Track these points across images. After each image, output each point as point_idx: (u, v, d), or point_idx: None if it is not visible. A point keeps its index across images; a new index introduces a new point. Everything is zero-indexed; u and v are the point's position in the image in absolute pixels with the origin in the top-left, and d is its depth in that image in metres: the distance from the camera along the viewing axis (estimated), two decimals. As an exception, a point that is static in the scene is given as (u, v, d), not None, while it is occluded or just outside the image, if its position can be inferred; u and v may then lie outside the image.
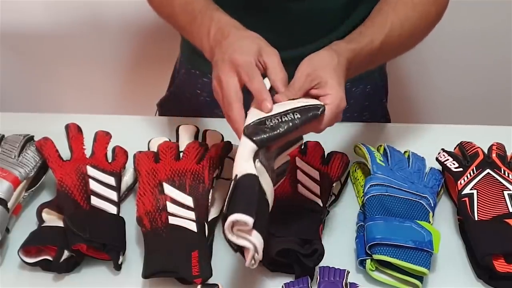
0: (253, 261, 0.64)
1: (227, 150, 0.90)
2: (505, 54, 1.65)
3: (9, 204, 0.81)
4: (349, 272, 0.73)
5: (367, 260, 0.77)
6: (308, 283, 0.72)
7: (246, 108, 0.72)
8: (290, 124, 0.68)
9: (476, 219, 0.81)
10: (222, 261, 0.78)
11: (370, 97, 1.12)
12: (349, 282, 0.72)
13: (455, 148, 0.94)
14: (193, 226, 0.78)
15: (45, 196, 0.90)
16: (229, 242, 0.64)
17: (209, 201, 0.82)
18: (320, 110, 0.70)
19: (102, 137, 0.92)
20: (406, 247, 0.76)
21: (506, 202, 0.83)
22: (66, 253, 0.76)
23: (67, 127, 0.91)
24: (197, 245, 0.76)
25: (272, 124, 0.68)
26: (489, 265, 0.76)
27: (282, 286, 0.73)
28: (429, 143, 1.00)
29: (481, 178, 0.86)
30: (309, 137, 0.81)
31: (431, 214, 0.83)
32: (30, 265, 0.77)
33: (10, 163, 0.86)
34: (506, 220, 0.81)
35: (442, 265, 0.80)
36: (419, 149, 0.95)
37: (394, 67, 1.09)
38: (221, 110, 0.74)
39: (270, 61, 0.73)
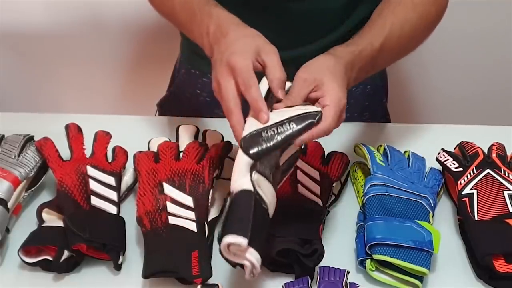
0: (252, 275, 0.66)
1: (227, 150, 0.90)
2: (505, 54, 1.64)
3: (9, 204, 0.82)
4: (349, 272, 0.73)
5: (367, 260, 0.77)
6: (308, 283, 0.72)
7: (247, 108, 0.73)
8: (286, 134, 0.69)
9: (476, 219, 0.81)
10: (222, 261, 0.77)
11: (370, 97, 1.12)
12: (349, 282, 0.72)
13: (455, 148, 0.94)
14: (193, 226, 0.78)
15: (45, 196, 0.90)
16: (227, 260, 0.67)
17: (209, 201, 0.82)
18: (317, 117, 0.71)
19: (102, 137, 0.92)
20: (406, 247, 0.76)
21: (506, 202, 0.83)
22: (66, 253, 0.76)
23: (67, 127, 0.91)
24: (197, 245, 0.76)
25: (268, 135, 0.69)
26: (489, 265, 0.76)
27: (282, 286, 0.73)
28: (429, 143, 1.00)
29: (481, 178, 0.86)
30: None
31: (431, 214, 0.83)
32: (30, 265, 0.77)
33: (10, 163, 0.86)
34: (506, 220, 0.81)
35: (442, 265, 0.80)
36: (419, 149, 0.95)
37: (394, 67, 1.09)
38: (221, 110, 0.74)
39: (268, 60, 0.73)
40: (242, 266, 0.66)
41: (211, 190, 0.83)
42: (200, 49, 0.83)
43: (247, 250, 0.64)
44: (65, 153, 0.88)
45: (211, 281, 0.73)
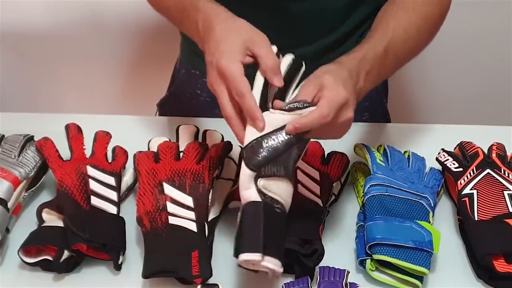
0: (275, 276, 0.68)
1: (227, 150, 0.90)
2: (505, 54, 1.64)
3: (9, 204, 0.82)
4: (349, 272, 0.73)
5: (367, 260, 0.77)
6: (308, 283, 0.72)
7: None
8: (286, 141, 0.71)
9: (476, 219, 0.81)
10: (222, 261, 0.78)
11: (370, 97, 1.12)
12: (349, 282, 0.72)
13: (455, 148, 0.94)
14: (193, 226, 0.78)
15: (45, 196, 0.90)
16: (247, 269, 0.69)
17: (209, 201, 0.82)
18: (304, 104, 0.72)
19: (102, 137, 0.92)
20: (406, 247, 0.76)
21: (506, 202, 0.83)
22: (66, 253, 0.76)
23: (67, 127, 0.91)
24: (197, 245, 0.76)
25: (268, 144, 0.71)
26: (489, 265, 0.76)
27: (282, 286, 0.73)
28: (429, 143, 1.00)
29: (481, 178, 0.86)
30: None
31: (431, 214, 0.83)
32: (30, 265, 0.77)
33: (10, 163, 0.86)
34: (506, 220, 0.81)
35: (442, 265, 0.80)
36: (419, 149, 0.95)
37: (394, 67, 1.10)
38: (221, 110, 0.74)
39: (258, 51, 0.73)
40: None
41: (211, 190, 0.83)
42: (200, 49, 0.83)
43: (263, 260, 0.66)
44: (65, 153, 0.88)
45: (211, 281, 0.73)
